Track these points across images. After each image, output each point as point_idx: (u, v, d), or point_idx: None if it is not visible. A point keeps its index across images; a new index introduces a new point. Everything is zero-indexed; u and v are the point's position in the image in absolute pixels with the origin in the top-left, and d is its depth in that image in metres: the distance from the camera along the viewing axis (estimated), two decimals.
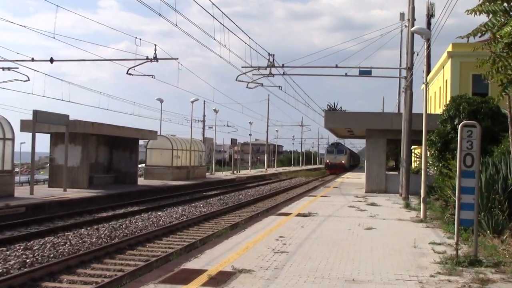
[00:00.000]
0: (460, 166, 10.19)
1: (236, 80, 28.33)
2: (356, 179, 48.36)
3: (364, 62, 33.76)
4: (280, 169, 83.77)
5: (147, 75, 29.62)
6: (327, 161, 78.82)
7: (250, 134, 75.58)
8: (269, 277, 8.57)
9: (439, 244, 12.16)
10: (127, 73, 26.57)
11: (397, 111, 41.25)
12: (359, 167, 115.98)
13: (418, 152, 35.22)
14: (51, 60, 25.21)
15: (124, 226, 17.88)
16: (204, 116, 63.39)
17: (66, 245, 14.09)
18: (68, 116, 25.99)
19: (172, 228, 17.41)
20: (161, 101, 47.65)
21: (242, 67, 27.26)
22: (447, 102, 22.34)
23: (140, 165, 43.07)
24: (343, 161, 77.15)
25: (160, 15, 18.91)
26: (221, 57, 24.53)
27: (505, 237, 11.78)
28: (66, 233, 15.89)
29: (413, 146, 38.52)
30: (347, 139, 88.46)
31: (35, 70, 26.34)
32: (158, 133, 40.64)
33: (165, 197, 28.75)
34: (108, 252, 13.27)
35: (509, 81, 9.96)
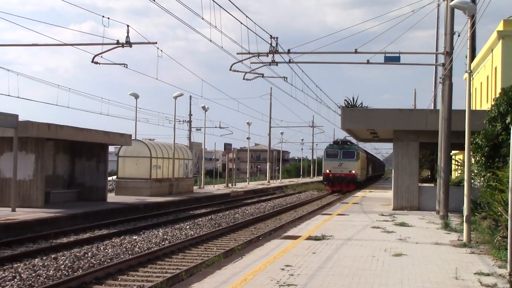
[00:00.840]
0: None
1: (230, 70, 28.37)
2: (381, 192, 48.34)
3: (390, 46, 33.73)
4: (286, 181, 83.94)
5: (118, 64, 29.68)
6: (327, 170, 60.11)
7: (248, 138, 75.86)
8: None
9: (488, 274, 12.13)
10: (92, 61, 26.65)
11: (432, 107, 41.30)
12: (385, 179, 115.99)
13: (460, 159, 35.20)
14: None
15: (90, 254, 17.81)
16: (190, 115, 63.52)
17: (15, 280, 13.99)
18: (17, 116, 25.94)
19: (150, 256, 17.34)
20: (136, 96, 47.65)
21: (237, 53, 27.32)
22: (497, 95, 22.29)
23: (110, 178, 43.05)
24: (353, 171, 59.30)
25: None
26: (211, 40, 24.54)
27: None
28: (15, 265, 15.80)
29: (453, 152, 38.55)
30: (368, 143, 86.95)
31: None
32: (133, 137, 40.61)
33: (142, 218, 28.69)
34: None
35: None
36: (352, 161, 59.13)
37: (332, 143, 64.08)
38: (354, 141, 62.15)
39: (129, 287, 13.76)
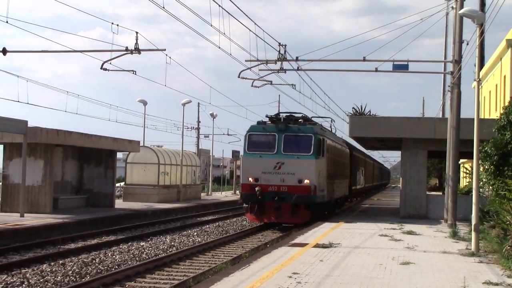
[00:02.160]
0: None
1: (239, 77, 28.33)
2: (389, 200, 48.22)
3: (399, 54, 33.42)
4: None
5: (127, 71, 29.69)
6: (249, 178, 27.44)
7: None
8: None
9: (496, 284, 12.08)
10: (101, 68, 26.63)
11: (441, 116, 41.21)
12: (392, 188, 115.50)
13: (469, 168, 35.08)
14: (4, 51, 25.31)
15: (97, 260, 17.83)
16: (198, 122, 63.68)
17: (23, 285, 14.03)
18: (26, 122, 26.03)
19: (158, 263, 17.33)
20: (145, 103, 47.76)
21: (245, 60, 27.23)
22: (506, 104, 22.24)
23: (118, 184, 43.11)
24: (306, 180, 26.84)
25: None
26: (219, 47, 24.48)
27: None
28: (23, 270, 15.83)
29: (461, 160, 38.45)
30: (375, 151, 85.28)
31: None
32: (141, 144, 40.68)
33: (150, 224, 28.72)
34: None
35: None
36: (305, 157, 26.84)
37: (262, 121, 28.88)
38: (321, 120, 36.33)
39: None
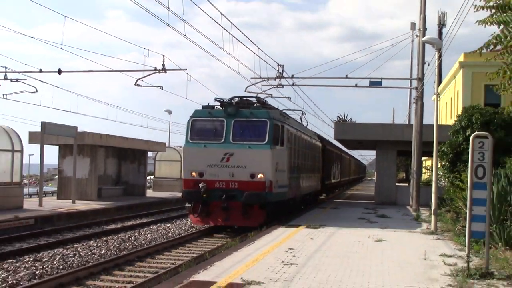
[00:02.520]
0: (471, 178, 10.21)
1: (245, 91, 28.23)
2: (366, 191, 48.22)
3: (374, 72, 33.57)
4: None
5: (156, 86, 29.77)
6: (192, 173, 18.87)
7: None
8: None
9: (450, 256, 12.15)
10: (135, 84, 26.74)
11: (407, 122, 41.24)
12: (368, 180, 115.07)
13: (429, 164, 35.12)
14: (59, 71, 25.43)
15: (133, 238, 17.95)
16: None
17: (76, 256, 14.17)
18: (76, 127, 26.20)
19: (181, 240, 17.39)
20: (170, 112, 47.93)
21: (251, 78, 27.23)
22: (459, 113, 22.33)
23: (148, 177, 43.19)
24: (260, 174, 18.30)
25: (168, 25, 19.02)
26: (230, 67, 24.54)
27: None
28: (75, 245, 15.98)
29: (423, 158, 38.44)
30: (355, 150, 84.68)
31: (43, 82, 26.58)
32: (167, 145, 40.78)
33: (174, 209, 28.81)
34: (117, 264, 13.33)
35: None
36: (259, 147, 18.58)
37: (209, 105, 20.09)
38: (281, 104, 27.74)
39: (164, 264, 13.87)
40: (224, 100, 19.43)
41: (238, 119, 18.55)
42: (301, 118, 27.90)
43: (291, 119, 23.09)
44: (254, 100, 20.73)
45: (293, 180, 21.43)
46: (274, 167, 18.38)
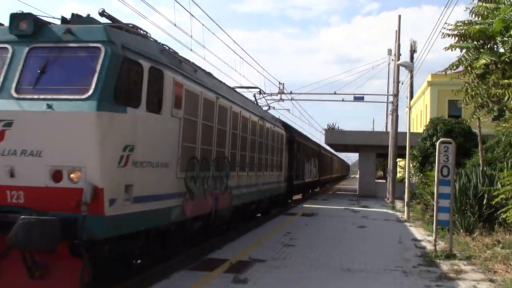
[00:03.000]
0: (438, 176, 10.22)
1: None
2: (350, 185, 48.07)
3: (358, 89, 33.60)
4: None
5: None
6: None
7: None
8: (279, 266, 8.56)
9: (420, 240, 12.07)
10: None
11: (385, 130, 41.10)
12: (351, 178, 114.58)
13: (403, 164, 35.04)
14: None
15: None
16: None
17: None
18: None
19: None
20: None
21: (256, 94, 27.23)
22: (427, 123, 22.25)
23: None
24: (73, 174, 5.51)
25: (191, 50, 19.14)
26: (240, 84, 24.60)
27: (475, 235, 11.73)
28: None
29: (398, 159, 38.34)
30: (342, 152, 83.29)
31: None
32: None
33: None
34: None
35: (478, 106, 10.00)
36: (72, 106, 5.20)
37: None
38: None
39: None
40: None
41: (37, 45, 6.21)
42: (254, 96, 19.13)
43: (201, 72, 9.57)
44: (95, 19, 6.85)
45: (202, 182, 9.13)
46: (115, 153, 6.04)
